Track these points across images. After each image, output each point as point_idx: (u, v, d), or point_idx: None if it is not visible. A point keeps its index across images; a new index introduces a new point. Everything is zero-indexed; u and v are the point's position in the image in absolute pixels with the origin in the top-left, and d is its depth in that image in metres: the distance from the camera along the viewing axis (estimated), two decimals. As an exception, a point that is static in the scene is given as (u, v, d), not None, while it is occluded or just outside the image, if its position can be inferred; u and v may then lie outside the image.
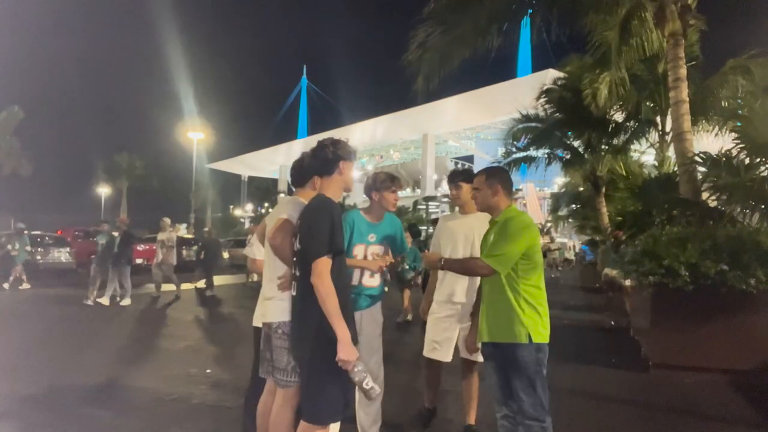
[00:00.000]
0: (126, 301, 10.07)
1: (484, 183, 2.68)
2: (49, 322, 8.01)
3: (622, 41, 9.06)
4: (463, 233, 3.34)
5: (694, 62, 10.13)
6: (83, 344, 6.51)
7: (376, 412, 3.13)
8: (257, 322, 2.98)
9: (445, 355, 3.40)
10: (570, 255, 35.58)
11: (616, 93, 9.99)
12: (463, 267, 2.86)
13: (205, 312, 9.57)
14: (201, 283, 12.84)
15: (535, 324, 2.48)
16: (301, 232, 2.39)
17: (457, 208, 3.58)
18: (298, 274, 2.42)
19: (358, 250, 3.01)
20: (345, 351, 2.19)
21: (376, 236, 3.05)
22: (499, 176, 2.70)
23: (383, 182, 3.09)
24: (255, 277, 11.64)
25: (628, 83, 10.07)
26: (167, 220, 12.09)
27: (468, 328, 3.29)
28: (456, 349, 3.42)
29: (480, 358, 3.19)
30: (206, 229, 14.17)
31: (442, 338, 3.39)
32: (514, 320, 2.47)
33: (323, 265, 2.23)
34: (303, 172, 2.81)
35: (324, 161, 2.45)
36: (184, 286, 12.37)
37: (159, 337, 7.07)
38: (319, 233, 2.26)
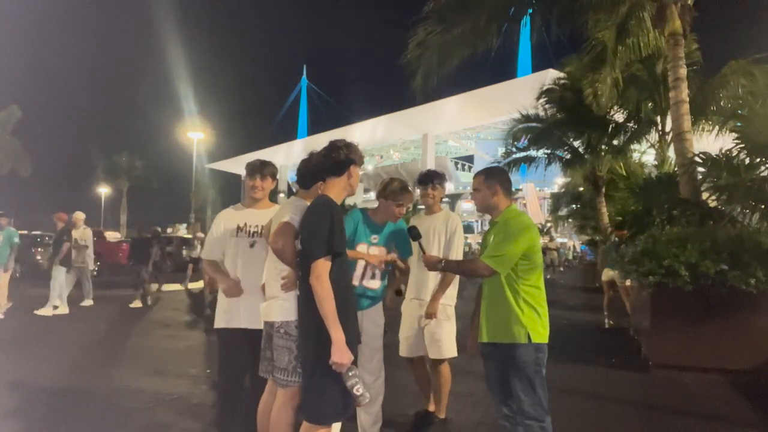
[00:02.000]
0: (61, 309, 8.83)
1: (483, 183, 2.68)
2: (43, 322, 8.01)
3: (618, 41, 9.07)
4: (436, 233, 3.43)
5: (694, 63, 10.14)
6: (82, 344, 6.51)
7: (377, 413, 3.13)
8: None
9: (417, 351, 3.54)
10: (569, 255, 35.65)
11: (609, 93, 10.00)
12: (463, 268, 2.86)
13: (205, 313, 9.57)
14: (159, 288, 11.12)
15: (535, 324, 2.48)
16: (302, 233, 2.39)
17: (422, 210, 3.67)
18: (300, 274, 2.42)
19: (361, 249, 3.02)
20: (338, 354, 2.18)
21: (380, 238, 3.07)
22: (497, 176, 2.69)
23: (392, 193, 3.08)
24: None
25: (621, 83, 10.08)
26: (80, 215, 10.01)
27: (430, 324, 3.41)
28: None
29: (444, 354, 3.40)
30: (148, 226, 11.08)
31: (411, 334, 3.53)
32: (514, 320, 2.47)
33: (322, 267, 2.23)
34: (310, 172, 2.80)
35: (336, 163, 2.44)
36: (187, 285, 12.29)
37: (159, 337, 7.07)
38: (319, 234, 2.26)
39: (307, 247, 2.31)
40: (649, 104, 12.25)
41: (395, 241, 3.15)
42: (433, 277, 3.41)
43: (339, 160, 2.44)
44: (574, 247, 39.81)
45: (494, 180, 2.66)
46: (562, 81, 13.57)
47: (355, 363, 2.28)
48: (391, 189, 3.08)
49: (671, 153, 10.38)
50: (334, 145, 2.47)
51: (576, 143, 13.70)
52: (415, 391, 4.38)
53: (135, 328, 7.78)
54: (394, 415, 3.63)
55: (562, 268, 26.57)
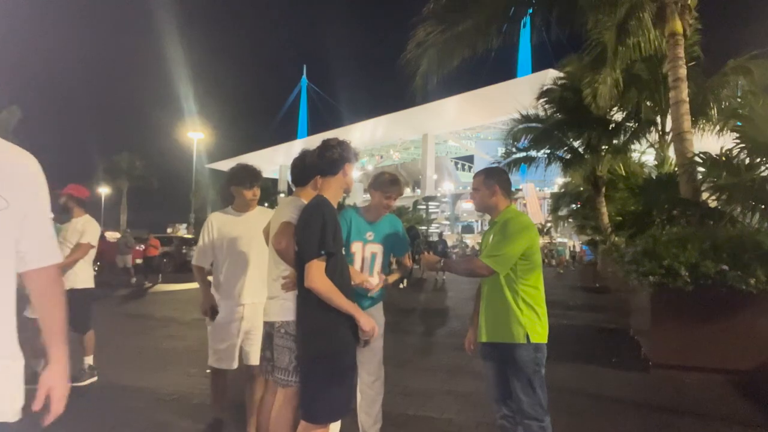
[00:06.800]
0: None
1: (482, 183, 2.69)
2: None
3: (619, 41, 9.07)
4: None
5: (694, 62, 10.14)
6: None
7: (377, 413, 3.13)
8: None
9: (229, 364, 3.27)
10: (567, 254, 35.69)
11: (610, 93, 10.01)
12: (462, 268, 2.86)
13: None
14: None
15: (533, 324, 2.48)
16: (296, 235, 2.40)
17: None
18: (298, 274, 2.42)
19: (356, 248, 3.00)
20: (366, 323, 2.27)
21: (375, 234, 3.05)
22: (496, 177, 2.70)
23: (382, 184, 3.08)
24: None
25: (622, 84, 10.08)
26: None
27: (254, 332, 3.18)
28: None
29: (255, 362, 3.11)
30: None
31: (226, 345, 3.26)
32: (512, 320, 2.48)
33: (315, 267, 2.23)
34: (304, 171, 2.81)
35: (331, 162, 2.44)
36: (185, 286, 12.34)
37: (158, 337, 7.07)
38: (311, 235, 2.26)
39: (301, 249, 2.32)
40: (649, 104, 12.25)
41: (392, 238, 3.14)
42: (249, 277, 3.27)
43: (333, 158, 2.43)
44: (574, 246, 39.80)
45: (493, 180, 2.67)
46: (562, 81, 13.57)
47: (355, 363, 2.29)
48: (381, 180, 3.11)
49: (671, 153, 10.38)
50: (327, 144, 2.46)
51: (576, 143, 13.71)
52: (418, 392, 4.39)
53: (135, 328, 7.78)
54: (393, 416, 3.63)
55: (561, 270, 26.41)
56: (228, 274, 3.27)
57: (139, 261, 16.43)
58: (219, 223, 3.33)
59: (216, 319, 3.26)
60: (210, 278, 3.40)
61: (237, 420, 3.44)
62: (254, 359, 3.17)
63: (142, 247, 16.85)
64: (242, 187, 3.29)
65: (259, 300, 3.12)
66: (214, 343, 3.28)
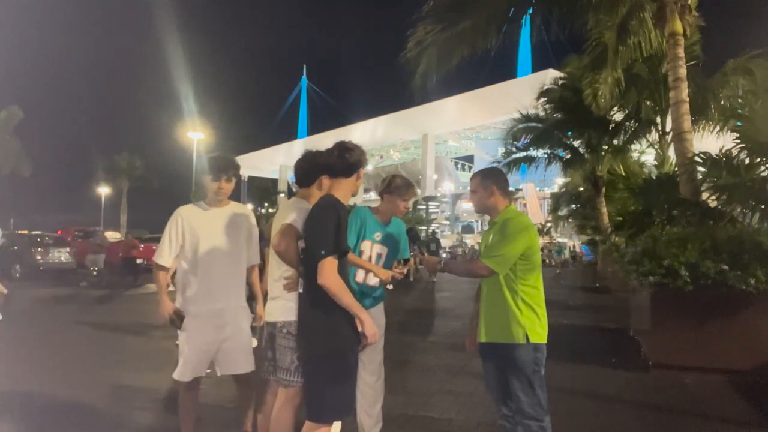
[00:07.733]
0: None
1: (479, 185, 2.69)
2: (43, 322, 8.00)
3: (620, 41, 9.08)
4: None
5: (694, 62, 10.14)
6: (82, 345, 6.51)
7: (377, 414, 3.13)
8: (271, 316, 2.64)
9: (202, 371, 3.03)
10: (566, 255, 35.64)
11: (611, 93, 10.02)
12: (462, 268, 2.86)
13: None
14: None
15: (533, 324, 2.48)
16: (307, 232, 2.40)
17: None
18: (303, 274, 2.43)
19: (365, 246, 3.03)
20: (369, 327, 2.27)
21: (382, 236, 3.08)
22: (493, 177, 2.70)
23: (397, 188, 3.11)
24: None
25: (624, 84, 10.09)
26: None
27: (235, 338, 2.97)
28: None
29: (245, 369, 3.01)
30: None
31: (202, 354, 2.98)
32: (512, 320, 2.48)
33: (329, 265, 2.23)
34: (308, 171, 2.80)
35: (349, 164, 2.45)
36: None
37: (159, 337, 7.07)
38: (325, 234, 2.27)
39: (313, 247, 2.31)
40: (649, 104, 12.25)
41: (396, 241, 3.16)
42: (224, 279, 2.98)
43: (351, 161, 2.44)
44: (573, 246, 39.77)
45: (490, 181, 2.67)
46: (562, 81, 13.58)
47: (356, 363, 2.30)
48: (396, 185, 3.12)
49: (671, 153, 10.38)
50: (345, 147, 2.46)
51: (576, 143, 13.72)
52: (419, 393, 4.39)
53: (135, 328, 7.78)
54: (393, 416, 3.63)
55: (558, 270, 26.38)
56: (201, 276, 2.91)
57: (140, 261, 16.42)
58: (188, 217, 2.92)
59: (191, 325, 2.94)
60: (173, 280, 3.13)
61: (236, 420, 3.44)
62: (241, 367, 3.00)
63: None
64: (209, 178, 2.91)
65: (231, 305, 2.95)
66: (188, 353, 2.95)
